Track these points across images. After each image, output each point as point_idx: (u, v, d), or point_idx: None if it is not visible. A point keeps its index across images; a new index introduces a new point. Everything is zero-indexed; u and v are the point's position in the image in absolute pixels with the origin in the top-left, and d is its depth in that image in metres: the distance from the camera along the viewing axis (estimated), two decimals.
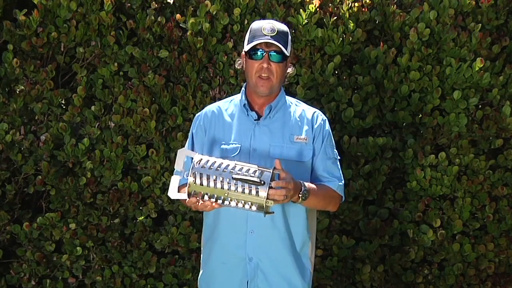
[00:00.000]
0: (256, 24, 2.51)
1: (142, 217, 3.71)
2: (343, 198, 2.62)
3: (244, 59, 2.54)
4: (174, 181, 2.34)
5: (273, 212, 2.31)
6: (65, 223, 3.63)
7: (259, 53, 2.46)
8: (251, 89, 2.55)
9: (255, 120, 2.54)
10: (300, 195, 2.34)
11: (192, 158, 2.31)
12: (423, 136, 3.86)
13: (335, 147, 2.62)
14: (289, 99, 2.63)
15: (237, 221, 2.49)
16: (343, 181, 2.59)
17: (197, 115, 2.67)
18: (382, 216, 3.89)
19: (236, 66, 2.67)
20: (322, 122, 2.58)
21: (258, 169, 2.24)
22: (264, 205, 2.23)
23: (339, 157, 2.61)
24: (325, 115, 2.64)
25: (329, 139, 2.59)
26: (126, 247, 3.73)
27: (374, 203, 3.92)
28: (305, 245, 2.57)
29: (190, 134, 2.66)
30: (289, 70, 2.58)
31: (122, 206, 3.69)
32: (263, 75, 2.47)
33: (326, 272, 3.87)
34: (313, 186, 2.43)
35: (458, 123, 3.79)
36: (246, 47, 2.49)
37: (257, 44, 2.45)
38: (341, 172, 2.61)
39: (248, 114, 2.54)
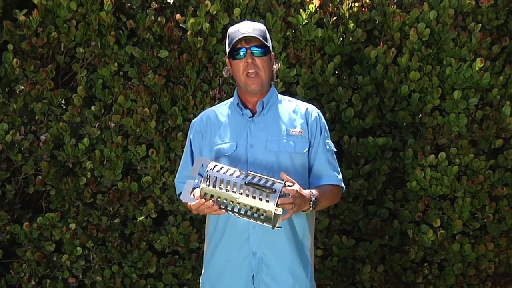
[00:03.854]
0: (232, 28, 2.57)
1: (142, 217, 3.71)
2: (344, 188, 2.69)
3: (229, 64, 2.59)
4: (188, 185, 2.41)
5: (281, 227, 2.35)
6: (65, 223, 3.63)
7: (241, 52, 2.50)
8: (242, 90, 2.60)
9: (249, 117, 2.58)
10: (311, 204, 2.40)
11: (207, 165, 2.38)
12: (423, 136, 3.86)
13: (330, 139, 2.68)
14: (280, 96, 2.68)
15: (239, 218, 2.49)
16: (340, 173, 2.65)
17: (193, 121, 2.71)
18: (382, 216, 3.89)
19: (224, 75, 2.70)
20: (317, 116, 2.64)
21: (270, 179, 2.30)
22: (273, 212, 2.27)
23: (335, 150, 2.68)
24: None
25: (326, 131, 2.65)
26: (126, 247, 3.73)
27: (374, 203, 3.92)
28: (305, 236, 2.60)
29: (187, 140, 2.70)
30: (275, 66, 2.62)
31: (122, 206, 3.69)
32: (250, 71, 2.51)
33: (326, 272, 3.87)
34: (320, 191, 2.49)
35: (458, 123, 3.79)
36: (228, 50, 2.53)
37: (237, 43, 2.49)
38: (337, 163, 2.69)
39: (242, 113, 2.59)
